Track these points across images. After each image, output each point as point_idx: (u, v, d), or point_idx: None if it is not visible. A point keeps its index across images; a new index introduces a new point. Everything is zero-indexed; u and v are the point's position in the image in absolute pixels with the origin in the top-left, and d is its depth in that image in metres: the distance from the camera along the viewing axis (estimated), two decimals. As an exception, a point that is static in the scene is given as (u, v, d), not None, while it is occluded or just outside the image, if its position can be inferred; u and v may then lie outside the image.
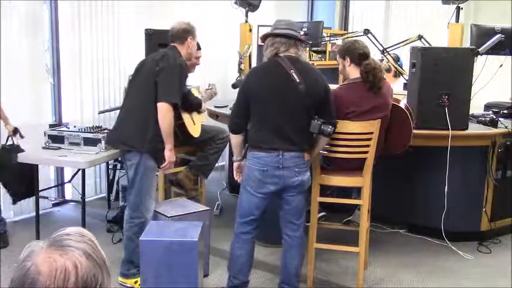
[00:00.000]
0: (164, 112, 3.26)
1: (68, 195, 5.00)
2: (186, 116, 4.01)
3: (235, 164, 3.28)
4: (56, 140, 4.15)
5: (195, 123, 4.14)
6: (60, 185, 4.95)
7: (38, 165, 4.02)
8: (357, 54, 3.33)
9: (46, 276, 0.98)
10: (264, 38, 3.10)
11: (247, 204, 3.10)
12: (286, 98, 2.97)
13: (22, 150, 4.03)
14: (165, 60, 3.33)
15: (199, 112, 4.17)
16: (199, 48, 4.08)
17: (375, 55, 4.03)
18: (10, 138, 4.08)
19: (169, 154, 3.37)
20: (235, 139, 3.17)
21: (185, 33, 3.49)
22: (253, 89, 3.01)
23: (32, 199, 4.12)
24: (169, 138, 3.33)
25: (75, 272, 1.00)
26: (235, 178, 3.31)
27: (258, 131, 3.03)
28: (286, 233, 3.20)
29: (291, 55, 3.01)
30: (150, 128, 3.30)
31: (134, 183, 3.39)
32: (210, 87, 4.39)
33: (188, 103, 3.87)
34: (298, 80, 2.94)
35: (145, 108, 3.30)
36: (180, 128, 3.92)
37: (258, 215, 3.11)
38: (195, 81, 4.62)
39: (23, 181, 4.05)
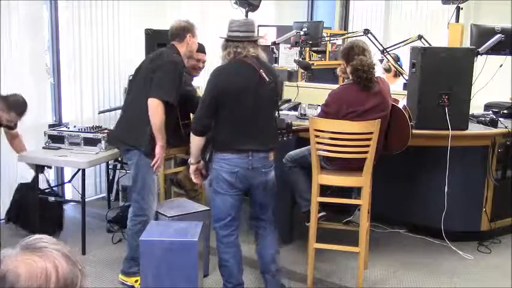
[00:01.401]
0: (153, 108, 3.24)
1: (68, 195, 5.00)
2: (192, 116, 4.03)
3: (193, 167, 3.20)
4: (56, 140, 4.16)
5: None
6: (60, 185, 4.95)
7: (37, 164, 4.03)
8: (346, 56, 3.39)
9: (27, 278, 0.97)
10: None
11: (222, 206, 3.09)
12: (258, 97, 2.99)
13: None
14: (160, 58, 3.36)
15: None
16: (203, 51, 4.07)
17: (375, 55, 4.03)
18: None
19: (159, 150, 3.32)
20: (199, 141, 3.09)
21: (184, 30, 3.48)
22: (225, 90, 2.98)
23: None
24: (160, 135, 3.29)
25: (56, 272, 0.99)
26: (195, 181, 3.29)
27: (227, 133, 3.00)
28: (256, 225, 3.28)
29: (254, 55, 3.02)
30: (147, 127, 3.30)
31: (136, 182, 3.41)
32: None
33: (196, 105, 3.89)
34: (267, 79, 2.98)
35: (143, 107, 3.30)
36: (186, 128, 3.94)
37: (235, 214, 3.12)
38: (195, 83, 4.61)
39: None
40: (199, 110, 3.07)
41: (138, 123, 3.35)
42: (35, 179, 4.05)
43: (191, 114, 4.05)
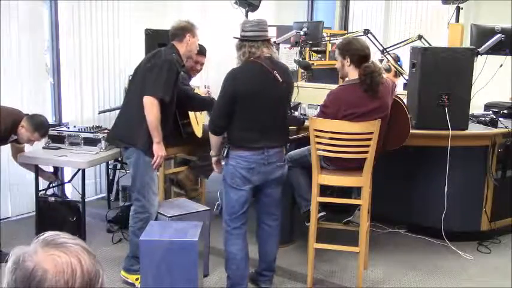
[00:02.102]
0: (148, 106, 3.26)
1: (68, 195, 4.99)
2: (191, 116, 4.03)
3: (215, 159, 3.35)
4: (56, 140, 4.16)
5: (198, 124, 4.16)
6: (60, 185, 4.95)
7: (38, 165, 4.03)
8: (357, 56, 3.32)
9: (54, 272, 0.99)
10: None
11: (236, 200, 3.16)
12: (272, 98, 3.10)
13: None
14: (156, 57, 3.39)
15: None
16: (203, 53, 4.06)
17: (375, 54, 4.03)
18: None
19: (157, 148, 3.33)
20: (217, 139, 3.23)
21: (183, 30, 3.49)
22: (242, 91, 3.04)
23: (32, 197, 4.12)
24: (156, 132, 3.31)
25: (80, 266, 1.02)
26: (217, 171, 3.40)
27: (243, 132, 3.09)
28: (265, 222, 3.34)
29: (268, 56, 3.08)
30: (144, 125, 3.31)
31: (136, 179, 3.43)
32: (208, 89, 4.39)
33: (195, 103, 3.91)
34: (281, 80, 3.07)
35: (140, 105, 3.30)
36: (185, 127, 3.94)
37: (246, 208, 3.19)
38: (195, 82, 4.62)
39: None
40: (215, 111, 3.20)
41: (135, 122, 3.37)
42: (49, 185, 4.17)
43: (190, 113, 4.05)
